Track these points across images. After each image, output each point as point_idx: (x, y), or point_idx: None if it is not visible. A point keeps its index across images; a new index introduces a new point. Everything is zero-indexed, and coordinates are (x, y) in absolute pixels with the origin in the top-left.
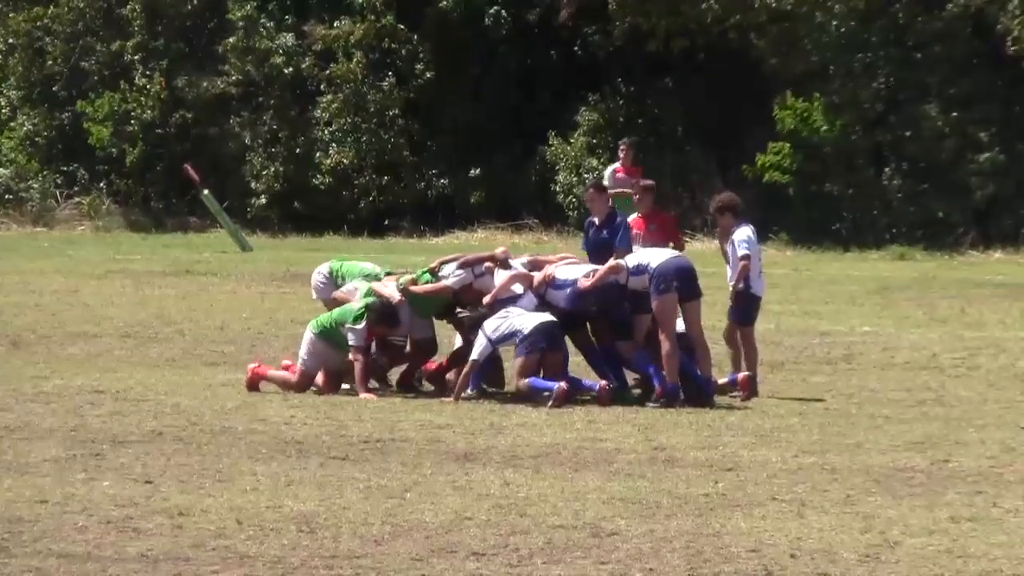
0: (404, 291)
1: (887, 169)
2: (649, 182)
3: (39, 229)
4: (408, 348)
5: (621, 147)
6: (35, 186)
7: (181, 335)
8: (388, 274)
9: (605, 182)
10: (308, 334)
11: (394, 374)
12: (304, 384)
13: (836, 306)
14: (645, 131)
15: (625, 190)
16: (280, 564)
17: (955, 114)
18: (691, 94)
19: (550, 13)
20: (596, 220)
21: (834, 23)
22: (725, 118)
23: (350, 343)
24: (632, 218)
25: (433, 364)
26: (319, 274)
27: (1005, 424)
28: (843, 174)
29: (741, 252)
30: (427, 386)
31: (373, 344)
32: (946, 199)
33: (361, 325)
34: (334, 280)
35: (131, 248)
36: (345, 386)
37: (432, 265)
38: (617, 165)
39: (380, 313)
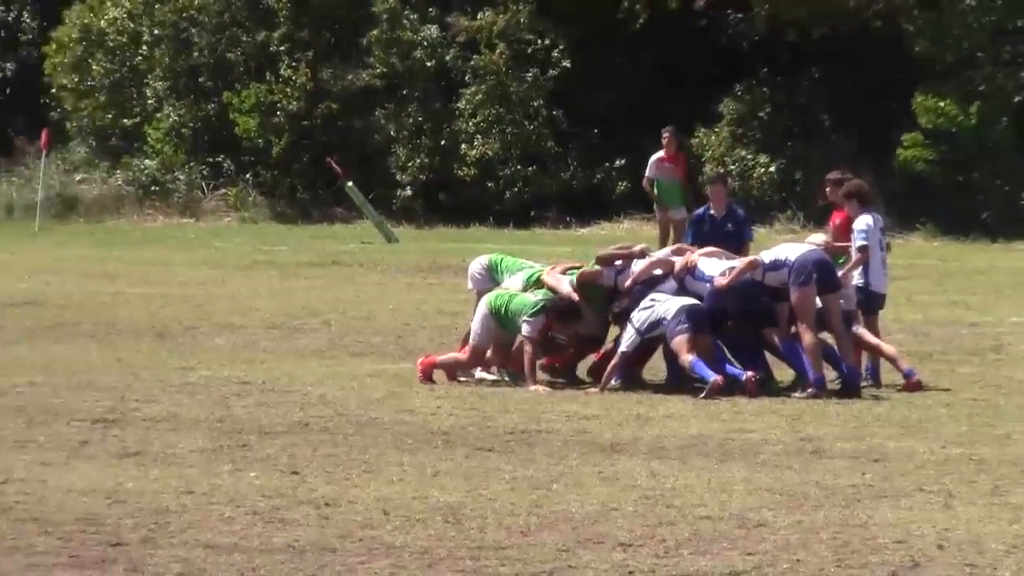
0: (574, 285)
1: None
2: (844, 175)
3: (185, 220)
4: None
5: (664, 135)
6: (181, 177)
7: (327, 326)
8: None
9: (648, 172)
10: (483, 310)
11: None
12: (476, 359)
13: (984, 297)
14: (791, 121)
15: (652, 191)
16: (426, 555)
17: None
18: (837, 83)
19: (688, 1)
20: (715, 213)
21: (982, 9)
22: (872, 107)
23: (524, 333)
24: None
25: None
26: (478, 264)
27: None
28: (989, 164)
29: (859, 243)
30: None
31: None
32: None
33: (539, 318)
34: (493, 273)
35: (277, 239)
36: (484, 375)
37: (601, 254)
38: (661, 154)
39: (562, 311)
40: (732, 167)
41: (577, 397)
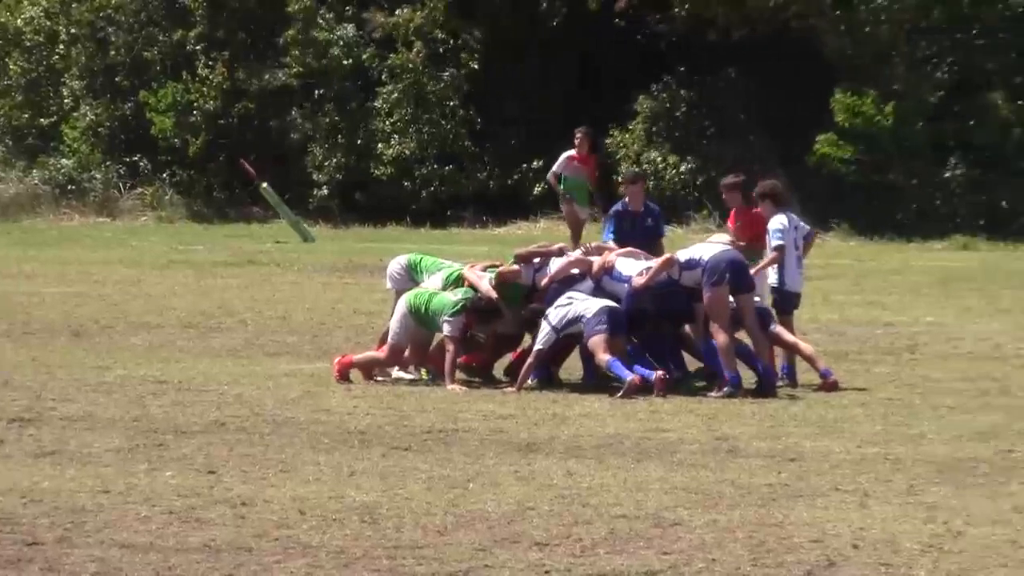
0: (493, 283)
1: (951, 159)
2: (738, 178)
3: (102, 219)
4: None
5: (577, 135)
6: (98, 176)
7: (243, 325)
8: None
9: (555, 168)
10: (402, 308)
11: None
12: (394, 358)
13: (899, 296)
14: (707, 121)
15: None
16: (343, 555)
17: (1021, 102)
18: (753, 84)
19: (609, 1)
20: (633, 210)
21: (896, 7)
22: (787, 108)
23: (445, 332)
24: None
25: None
26: (397, 264)
27: None
28: (904, 164)
29: (775, 243)
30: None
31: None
32: (1010, 189)
33: (460, 317)
34: (412, 273)
35: (193, 238)
36: (401, 374)
37: (518, 252)
38: (572, 152)
39: (483, 310)
40: (646, 166)
41: (494, 396)
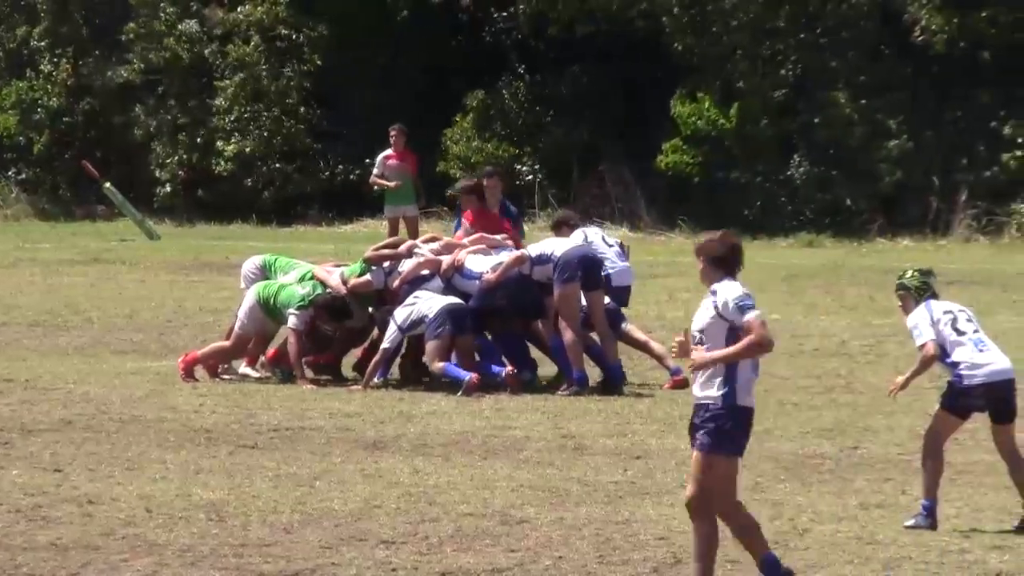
0: (345, 283)
1: (795, 156)
2: (471, 181)
3: None
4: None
5: (392, 132)
6: None
7: (90, 324)
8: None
9: (376, 171)
10: (250, 299)
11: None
12: (239, 347)
13: None
14: (549, 119)
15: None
16: (190, 552)
17: (864, 101)
18: (597, 82)
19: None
20: (488, 208)
21: (743, 9)
22: (632, 106)
23: (290, 325)
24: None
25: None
26: (252, 264)
27: (913, 411)
28: (749, 162)
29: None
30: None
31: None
32: (854, 186)
33: (306, 311)
34: (267, 273)
35: (39, 237)
36: (248, 371)
37: (368, 255)
38: (389, 151)
39: (330, 308)
40: (474, 158)
41: (340, 394)
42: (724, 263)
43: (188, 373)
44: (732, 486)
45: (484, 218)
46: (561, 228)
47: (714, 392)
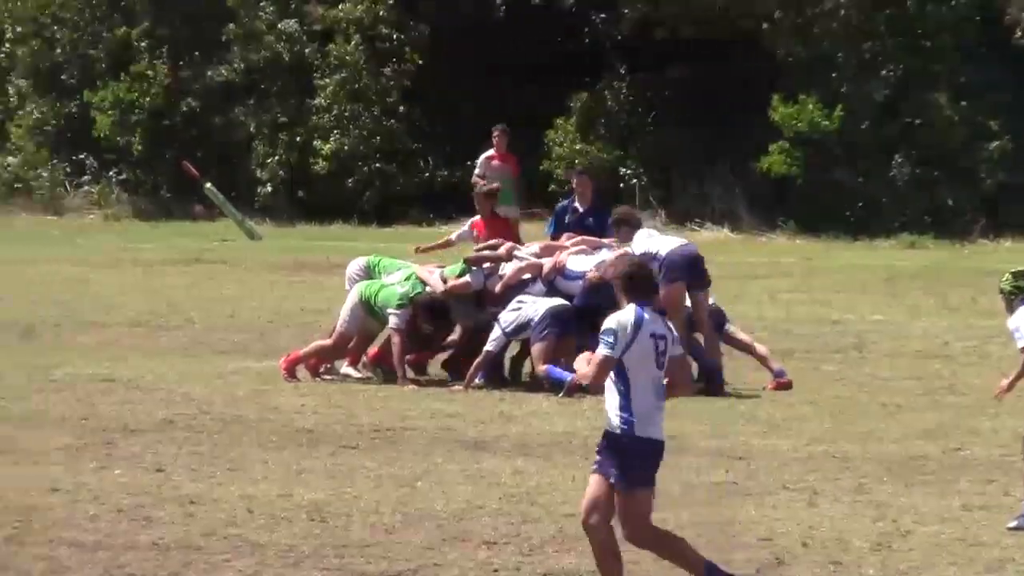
0: (445, 282)
1: (897, 157)
2: (495, 186)
3: (49, 217)
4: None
5: (495, 133)
6: (44, 175)
7: (191, 324)
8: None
9: (477, 171)
10: (353, 299)
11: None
12: (341, 346)
13: (846, 295)
14: (650, 119)
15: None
16: (291, 553)
17: (964, 103)
18: (699, 84)
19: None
20: (580, 206)
21: (843, 12)
22: (732, 107)
23: (391, 325)
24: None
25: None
26: (356, 266)
27: (1017, 412)
28: (851, 163)
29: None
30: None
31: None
32: (956, 187)
33: (406, 309)
34: (371, 274)
35: (141, 237)
36: (350, 371)
37: (469, 256)
38: (491, 152)
39: (429, 308)
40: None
41: (442, 395)
42: (635, 288)
43: (290, 373)
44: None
45: (495, 224)
46: (620, 227)
47: (615, 421)
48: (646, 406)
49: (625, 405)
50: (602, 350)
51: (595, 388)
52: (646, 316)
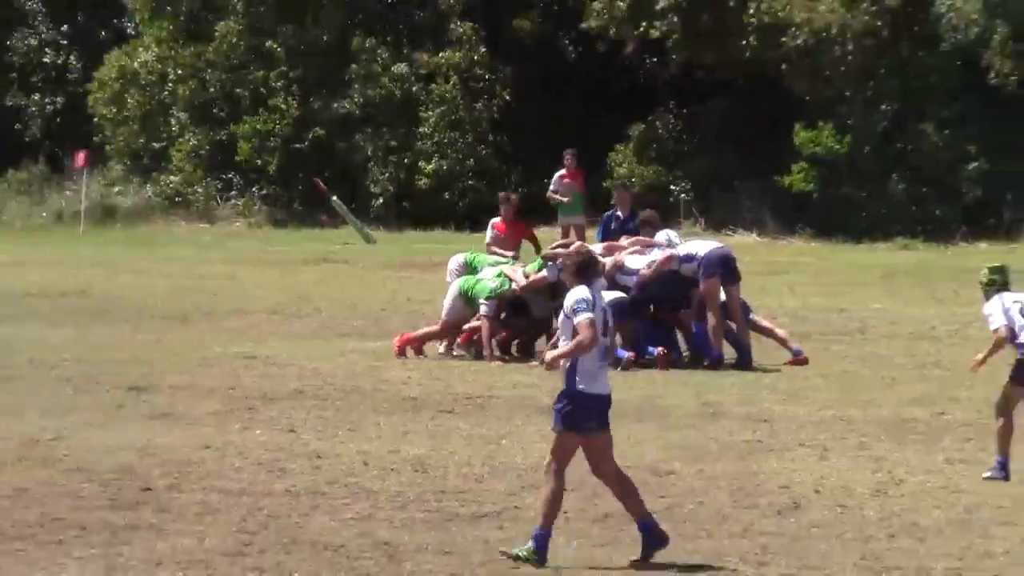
0: (526, 277)
1: (893, 176)
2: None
3: (203, 225)
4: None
5: (566, 156)
6: (200, 190)
7: (318, 312)
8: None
9: (552, 187)
10: (454, 291)
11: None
12: (445, 331)
13: (852, 288)
14: (694, 144)
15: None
16: (399, 498)
17: (947, 132)
18: (733, 114)
19: (617, 46)
20: (621, 214)
21: (849, 58)
22: (761, 134)
23: (481, 312)
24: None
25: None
26: (456, 262)
27: (990, 384)
28: (857, 181)
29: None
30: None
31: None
32: (942, 201)
33: (494, 301)
34: (469, 268)
35: (278, 241)
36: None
37: (545, 253)
38: (563, 171)
39: (509, 303)
40: (635, 179)
41: (522, 369)
42: (582, 272)
43: (400, 351)
44: (570, 456)
45: (511, 225)
46: (645, 228)
47: (564, 379)
48: (592, 366)
49: (572, 365)
50: (584, 315)
51: (591, 345)
52: (595, 293)
